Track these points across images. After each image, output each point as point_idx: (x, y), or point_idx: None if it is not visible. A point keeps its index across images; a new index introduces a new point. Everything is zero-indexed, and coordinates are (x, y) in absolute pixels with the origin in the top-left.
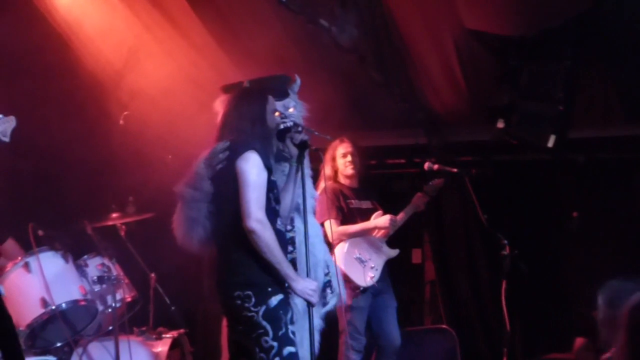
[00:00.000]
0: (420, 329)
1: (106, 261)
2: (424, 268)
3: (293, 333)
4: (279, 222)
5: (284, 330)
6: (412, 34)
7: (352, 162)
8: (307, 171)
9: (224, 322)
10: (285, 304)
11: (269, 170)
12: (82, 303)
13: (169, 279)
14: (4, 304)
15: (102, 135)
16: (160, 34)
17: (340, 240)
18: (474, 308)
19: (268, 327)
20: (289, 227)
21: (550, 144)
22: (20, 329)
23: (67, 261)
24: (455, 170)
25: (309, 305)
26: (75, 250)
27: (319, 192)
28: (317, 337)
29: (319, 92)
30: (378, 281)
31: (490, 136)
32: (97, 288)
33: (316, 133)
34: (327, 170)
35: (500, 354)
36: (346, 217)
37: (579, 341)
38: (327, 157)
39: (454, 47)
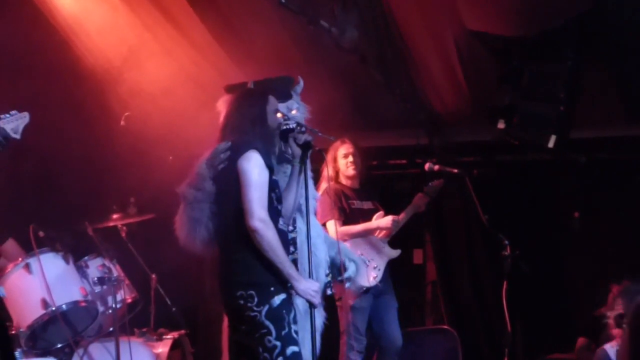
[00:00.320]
0: (422, 330)
1: (107, 262)
2: (425, 268)
3: (296, 332)
4: (281, 221)
5: (287, 329)
6: (413, 35)
7: (354, 162)
8: (309, 172)
9: (225, 323)
10: (288, 304)
11: (271, 169)
12: (83, 304)
13: (170, 279)
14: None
15: (103, 135)
16: (161, 34)
17: (343, 241)
18: (475, 308)
19: (271, 327)
20: (290, 228)
21: (550, 144)
22: (21, 330)
23: (67, 262)
24: (455, 170)
25: (311, 306)
26: (76, 251)
27: (320, 192)
28: (317, 338)
29: (319, 92)
30: (380, 281)
31: (492, 136)
32: (97, 289)
33: (319, 134)
34: (328, 171)
35: (502, 354)
36: (348, 217)
37: (581, 341)
38: (329, 157)
39: (455, 47)
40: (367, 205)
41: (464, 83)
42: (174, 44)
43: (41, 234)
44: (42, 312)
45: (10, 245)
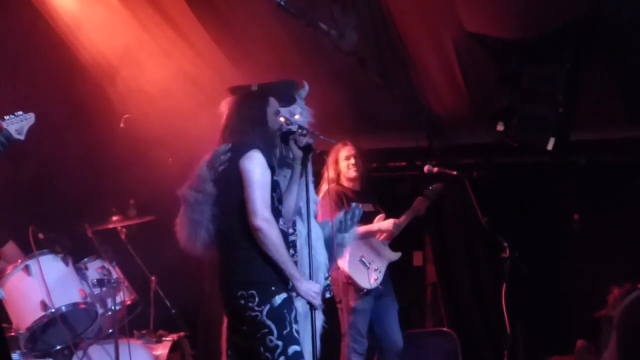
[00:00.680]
0: (422, 332)
1: (106, 264)
2: (425, 271)
3: (297, 332)
4: (281, 222)
5: (288, 329)
6: (412, 37)
7: (355, 164)
8: (309, 176)
9: (224, 325)
10: (289, 303)
11: (272, 169)
12: (82, 306)
13: (170, 281)
14: None
15: (102, 137)
16: (160, 35)
17: None
18: (475, 310)
19: (272, 326)
20: (290, 230)
21: (549, 146)
22: (21, 331)
23: (67, 264)
24: (455, 172)
25: (312, 307)
26: (76, 253)
27: (321, 194)
28: (317, 341)
29: (319, 95)
30: (380, 284)
31: (491, 138)
32: (97, 291)
33: (321, 137)
34: (330, 173)
35: (501, 356)
36: None
37: (580, 343)
38: (331, 160)
39: (454, 49)
40: (367, 207)
41: (463, 85)
42: (172, 46)
43: (40, 235)
44: (42, 314)
45: (10, 247)
